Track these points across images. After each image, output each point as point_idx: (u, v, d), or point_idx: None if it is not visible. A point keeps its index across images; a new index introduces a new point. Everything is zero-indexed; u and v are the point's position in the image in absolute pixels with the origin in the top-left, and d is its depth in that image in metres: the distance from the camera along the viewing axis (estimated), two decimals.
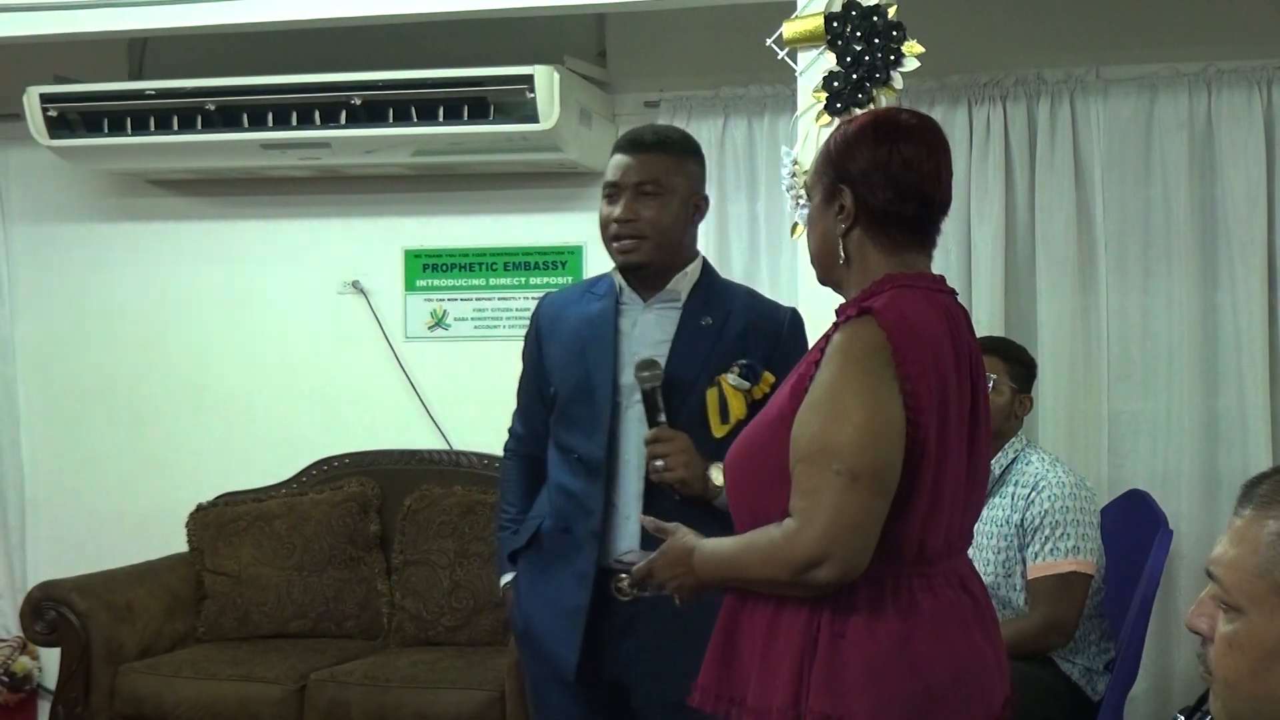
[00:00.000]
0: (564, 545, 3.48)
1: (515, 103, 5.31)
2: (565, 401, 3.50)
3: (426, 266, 6.03)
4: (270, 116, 5.46)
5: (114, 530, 6.16)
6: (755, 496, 2.63)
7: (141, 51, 6.07)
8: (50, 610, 5.36)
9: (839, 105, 4.11)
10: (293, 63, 5.57)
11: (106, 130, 5.65)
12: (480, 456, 5.86)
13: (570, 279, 5.87)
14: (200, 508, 5.89)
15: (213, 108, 5.52)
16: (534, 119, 5.29)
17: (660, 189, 3.43)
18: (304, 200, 6.09)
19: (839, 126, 2.75)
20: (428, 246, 6.02)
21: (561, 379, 3.52)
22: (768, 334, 3.46)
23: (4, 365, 6.31)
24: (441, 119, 5.40)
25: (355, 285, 6.00)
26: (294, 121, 5.48)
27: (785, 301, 5.32)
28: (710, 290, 3.52)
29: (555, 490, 3.53)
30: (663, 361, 3.40)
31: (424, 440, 5.94)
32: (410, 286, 6.04)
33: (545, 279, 5.89)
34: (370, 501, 5.78)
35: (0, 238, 6.33)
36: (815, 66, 4.17)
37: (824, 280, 2.78)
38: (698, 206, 3.52)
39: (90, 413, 6.28)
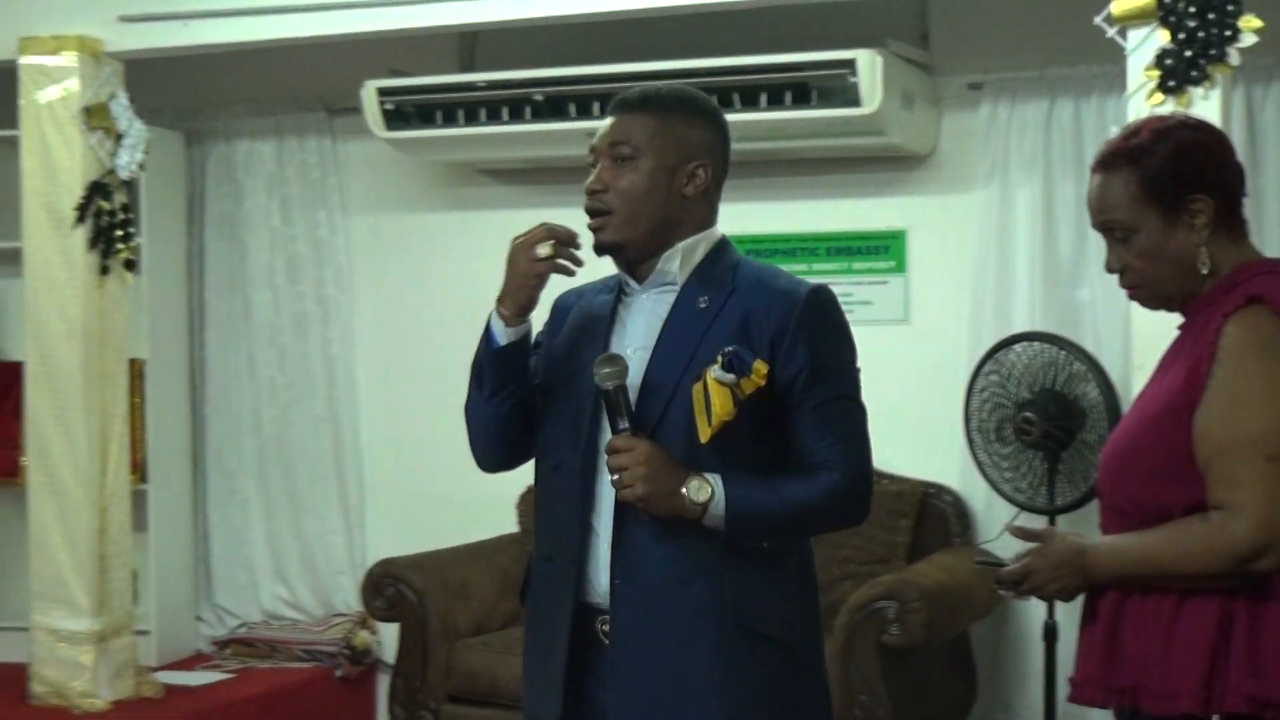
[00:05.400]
0: (547, 577, 2.96)
1: (837, 87, 5.29)
2: (550, 401, 2.99)
3: (748, 253, 5.99)
4: (596, 106, 5.54)
5: (448, 510, 6.32)
6: (1146, 493, 2.67)
7: (472, 44, 6.23)
8: (389, 587, 5.56)
9: (1172, 84, 4.00)
10: (618, 52, 5.64)
11: (439, 122, 5.81)
12: None
13: (894, 264, 5.83)
14: (531, 489, 6.02)
15: (541, 98, 5.63)
16: (856, 103, 5.26)
17: (635, 152, 2.90)
18: None
19: (1142, 147, 2.71)
20: (750, 232, 6.03)
21: (552, 374, 3.01)
22: (778, 312, 2.85)
23: (345, 350, 6.55)
24: (764, 105, 5.41)
25: None
26: (604, 113, 5.54)
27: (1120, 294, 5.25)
28: (715, 268, 2.95)
29: (538, 512, 3.04)
30: (648, 354, 2.88)
31: None
32: None
33: (868, 264, 5.87)
34: None
35: (341, 228, 6.56)
36: (1146, 44, 4.08)
37: (1166, 303, 2.78)
38: (693, 175, 2.94)
39: (425, 396, 6.45)
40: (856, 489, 2.86)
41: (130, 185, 5.83)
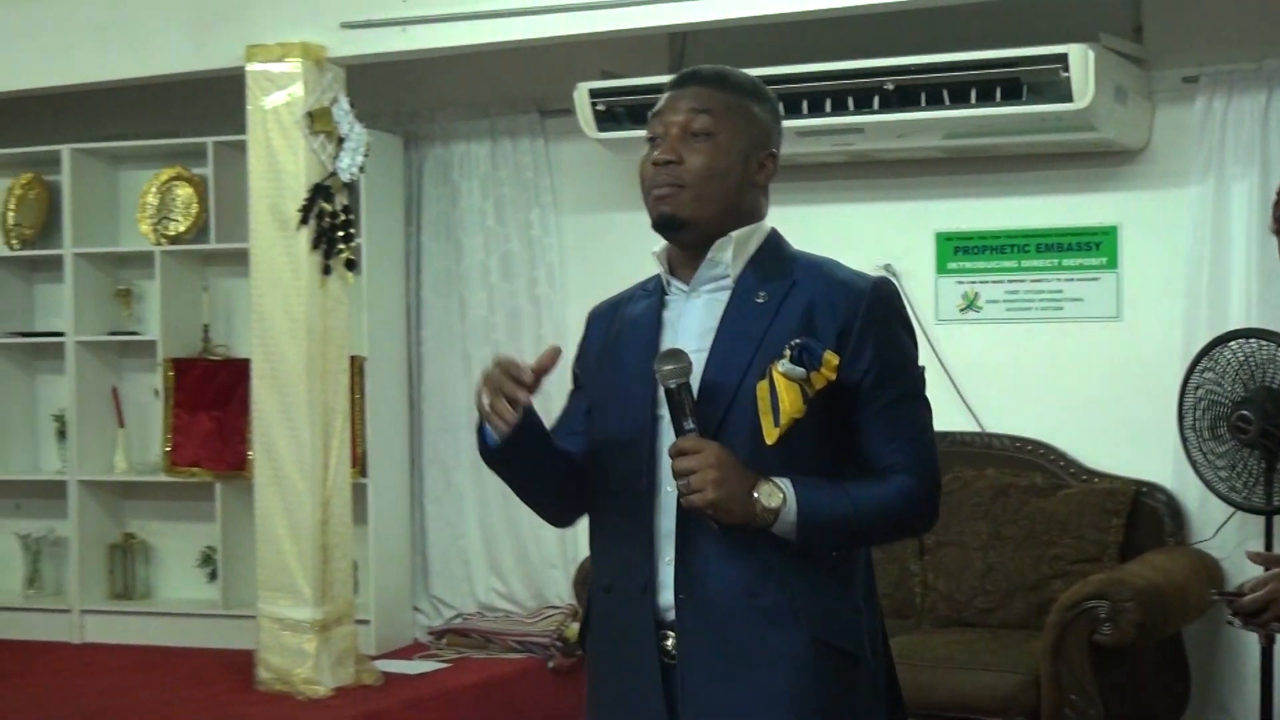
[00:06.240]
0: (609, 607, 2.73)
1: (1049, 83, 5.24)
2: (600, 418, 2.77)
3: (958, 249, 6.01)
4: (805, 104, 5.55)
5: None
6: None
7: (682, 45, 6.27)
8: None
9: None
10: (826, 50, 5.64)
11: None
12: (1013, 439, 5.81)
13: (1105, 260, 5.76)
14: None
15: None
16: (1068, 98, 5.20)
17: (714, 129, 2.66)
18: (837, 185, 6.16)
19: None
20: (959, 229, 6.00)
21: (596, 390, 2.80)
22: (844, 305, 2.61)
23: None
24: (974, 101, 5.37)
25: (887, 268, 6.02)
26: (828, 108, 5.56)
27: None
28: (771, 262, 2.69)
29: (593, 540, 2.81)
30: (705, 355, 2.63)
31: (956, 422, 5.92)
32: (941, 269, 6.04)
33: (1079, 260, 5.80)
34: None
35: (553, 227, 6.65)
36: None
37: None
38: (762, 165, 2.71)
39: None
40: (929, 492, 2.64)
41: (351, 187, 5.98)
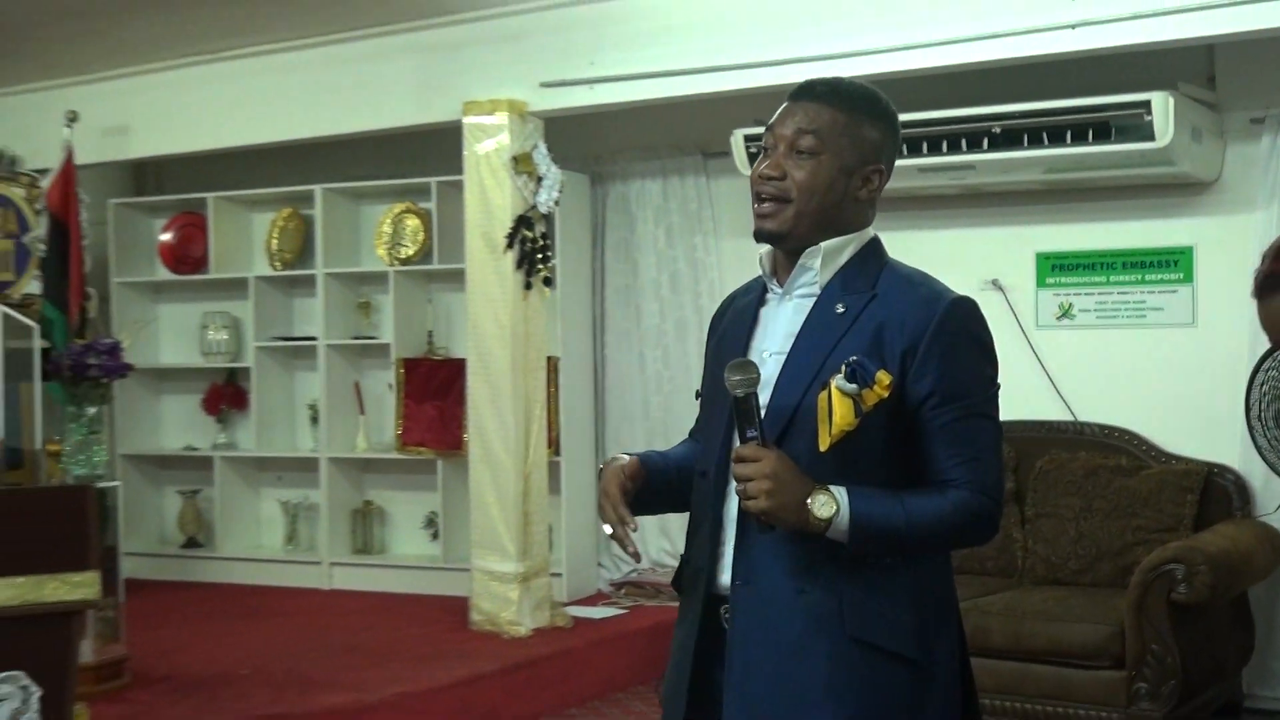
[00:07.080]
0: (686, 577, 2.49)
1: (1134, 125, 5.20)
2: (702, 403, 2.53)
3: (1055, 267, 5.96)
4: (925, 145, 5.55)
5: None
6: None
7: None
8: None
9: None
10: (943, 99, 5.63)
11: None
12: (1101, 427, 5.76)
13: (1182, 275, 5.68)
14: None
15: None
16: (1150, 138, 5.16)
17: (820, 146, 2.34)
18: (951, 213, 6.14)
19: None
20: (1056, 249, 5.96)
21: (704, 383, 2.54)
22: (913, 325, 2.29)
23: None
24: (1069, 141, 5.35)
25: (994, 283, 6.00)
26: (944, 149, 5.55)
27: None
28: (859, 272, 2.38)
29: (689, 517, 2.52)
30: (782, 359, 2.35)
31: (1053, 412, 5.89)
32: (1041, 284, 5.99)
33: (1159, 276, 5.73)
34: (1007, 463, 5.77)
35: (714, 249, 6.69)
36: None
37: None
38: (866, 180, 2.39)
39: None
40: (985, 507, 2.29)
41: (548, 218, 6.08)
